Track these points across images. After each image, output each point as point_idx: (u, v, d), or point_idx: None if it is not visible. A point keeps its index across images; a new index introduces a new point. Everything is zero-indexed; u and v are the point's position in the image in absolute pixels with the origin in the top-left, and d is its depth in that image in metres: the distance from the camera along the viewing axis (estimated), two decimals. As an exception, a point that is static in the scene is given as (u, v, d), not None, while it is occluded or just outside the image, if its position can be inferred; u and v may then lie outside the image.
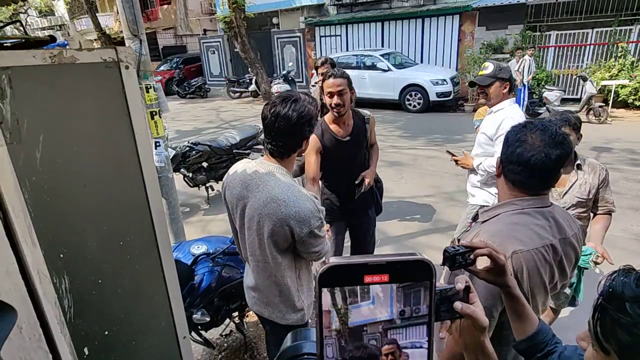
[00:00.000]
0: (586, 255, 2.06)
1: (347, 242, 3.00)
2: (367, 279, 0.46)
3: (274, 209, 1.49)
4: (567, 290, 2.31)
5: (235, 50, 13.13)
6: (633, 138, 7.39)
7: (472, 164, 2.64)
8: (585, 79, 8.94)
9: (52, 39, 1.14)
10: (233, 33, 12.22)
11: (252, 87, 14.07)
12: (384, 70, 11.32)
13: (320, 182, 2.68)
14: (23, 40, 1.11)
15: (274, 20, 16.54)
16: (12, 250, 0.87)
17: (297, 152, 1.62)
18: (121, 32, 3.01)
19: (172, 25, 21.79)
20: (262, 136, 1.87)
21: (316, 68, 4.12)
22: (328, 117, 2.58)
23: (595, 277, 1.66)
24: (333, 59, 4.14)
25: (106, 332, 1.12)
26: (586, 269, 2.12)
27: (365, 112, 2.72)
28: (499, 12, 11.19)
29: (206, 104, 14.84)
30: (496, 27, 11.50)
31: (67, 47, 1.14)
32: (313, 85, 4.80)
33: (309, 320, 1.82)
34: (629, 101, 9.61)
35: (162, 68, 17.89)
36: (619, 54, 9.96)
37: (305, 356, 0.71)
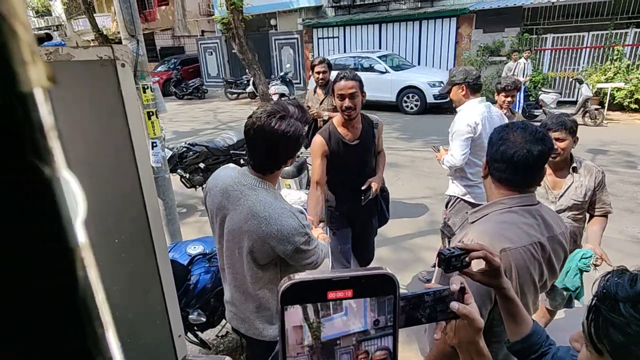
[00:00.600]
0: (586, 258, 2.04)
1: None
2: (331, 294, 0.45)
3: (254, 226, 1.41)
4: (564, 292, 2.32)
5: (233, 51, 13.13)
6: (629, 140, 7.43)
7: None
8: (581, 82, 8.99)
9: (48, 36, 1.14)
10: (231, 34, 12.22)
11: (250, 88, 14.05)
12: (382, 72, 11.34)
13: (325, 187, 2.58)
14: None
15: (272, 22, 16.56)
16: None
17: (281, 169, 1.52)
18: (118, 32, 3.00)
19: (170, 26, 21.77)
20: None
21: (312, 67, 4.11)
22: (337, 120, 2.50)
23: (593, 281, 1.66)
24: (329, 61, 4.13)
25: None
26: (587, 271, 2.10)
27: (374, 116, 2.64)
28: (496, 15, 11.25)
29: (204, 105, 14.81)
30: (493, 29, 11.57)
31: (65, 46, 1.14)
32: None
33: None
34: (624, 104, 9.68)
35: (159, 69, 17.86)
36: (615, 57, 10.03)
37: None
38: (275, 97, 11.49)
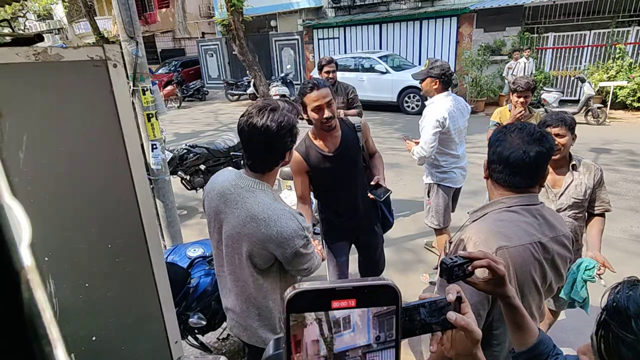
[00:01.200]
0: (590, 269, 2.00)
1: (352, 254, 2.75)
2: (335, 304, 0.47)
3: (253, 229, 1.38)
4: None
5: (234, 53, 13.13)
6: (632, 139, 7.38)
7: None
8: (583, 81, 8.93)
9: (40, 37, 1.12)
10: (231, 36, 12.22)
11: (251, 89, 14.05)
12: (382, 73, 11.33)
13: (315, 201, 2.46)
14: (10, 39, 1.08)
15: (272, 23, 16.57)
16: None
17: (279, 165, 1.49)
18: (119, 35, 2.98)
19: (171, 29, 21.81)
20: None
21: (320, 68, 4.06)
22: (312, 132, 2.28)
23: (598, 287, 1.62)
24: (337, 61, 4.08)
25: (94, 338, 1.09)
26: (592, 282, 2.04)
27: (356, 118, 2.42)
28: (497, 14, 11.21)
29: (204, 106, 14.82)
30: (494, 29, 11.52)
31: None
32: None
33: None
34: (627, 102, 9.61)
35: (160, 71, 17.89)
36: (617, 56, 9.96)
37: None
38: (276, 99, 11.46)
